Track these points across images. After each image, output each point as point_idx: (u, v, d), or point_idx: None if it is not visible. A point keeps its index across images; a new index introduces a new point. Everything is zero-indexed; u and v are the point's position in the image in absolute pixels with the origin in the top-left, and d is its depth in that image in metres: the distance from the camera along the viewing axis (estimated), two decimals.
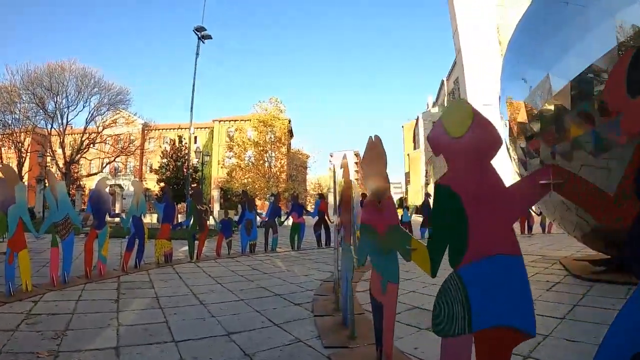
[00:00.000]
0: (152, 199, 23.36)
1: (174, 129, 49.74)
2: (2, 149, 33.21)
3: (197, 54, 18.48)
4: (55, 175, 9.78)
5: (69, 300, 3.99)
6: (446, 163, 1.77)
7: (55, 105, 32.11)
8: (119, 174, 48.10)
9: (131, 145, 39.10)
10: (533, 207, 13.72)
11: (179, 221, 11.28)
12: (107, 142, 36.83)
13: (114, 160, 38.30)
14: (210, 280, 5.43)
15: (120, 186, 36.52)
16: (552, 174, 1.52)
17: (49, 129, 32.91)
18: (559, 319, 3.30)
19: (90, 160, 36.76)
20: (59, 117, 32.29)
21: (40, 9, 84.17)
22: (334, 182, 4.28)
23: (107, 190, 6.43)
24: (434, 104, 62.72)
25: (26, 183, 25.52)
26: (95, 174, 35.92)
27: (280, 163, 41.20)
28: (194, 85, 18.86)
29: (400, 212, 17.72)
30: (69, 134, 34.92)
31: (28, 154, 33.72)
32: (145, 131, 45.47)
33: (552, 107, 5.03)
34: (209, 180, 45.03)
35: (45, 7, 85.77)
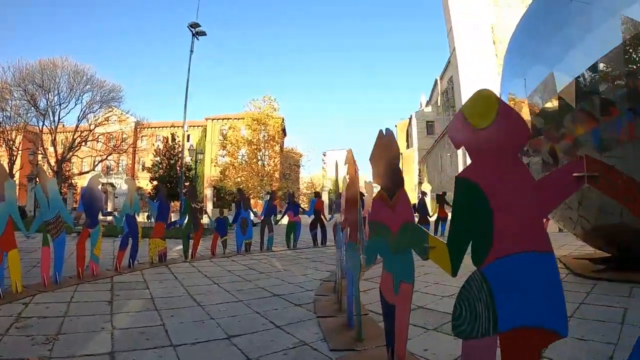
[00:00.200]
0: (144, 197, 23.05)
1: (166, 127, 49.31)
2: None
3: (192, 50, 18.28)
4: (47, 173, 9.58)
5: (61, 302, 3.83)
6: (469, 156, 1.67)
7: (47, 102, 31.65)
8: (111, 172, 47.56)
9: (123, 143, 38.66)
10: None
11: (172, 220, 11.11)
12: (99, 140, 36.38)
13: (106, 158, 37.83)
14: (207, 281, 5.29)
15: (112, 185, 36.01)
16: (586, 166, 1.42)
17: (40, 127, 32.40)
18: (567, 317, 3.22)
19: (82, 158, 36.32)
20: (50, 114, 31.82)
21: (33, 9, 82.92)
22: (337, 179, 4.16)
23: (99, 188, 6.26)
24: (427, 103, 62.88)
25: (17, 182, 25.14)
26: (87, 172, 35.48)
27: (274, 162, 41.04)
28: (188, 82, 18.63)
29: None
30: (60, 132, 34.42)
31: (19, 152, 33.20)
32: (138, 129, 45.01)
33: (555, 105, 4.97)
34: (202, 179, 44.70)
35: (39, 5, 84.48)
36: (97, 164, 37.37)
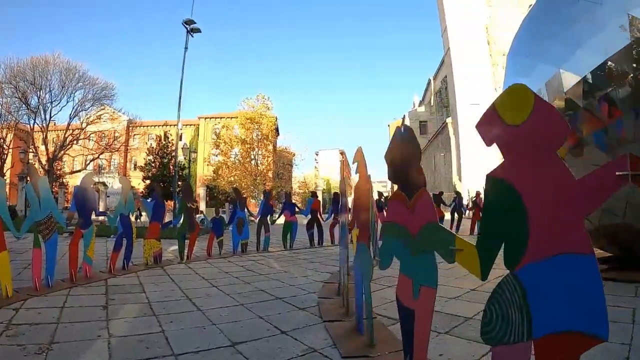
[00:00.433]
0: (137, 197, 22.73)
1: (159, 125, 48.86)
2: None
3: (186, 47, 17.98)
4: (38, 171, 9.29)
5: (54, 307, 3.64)
6: (502, 153, 1.56)
7: (39, 100, 31.18)
8: (102, 171, 46.96)
9: (116, 142, 38.21)
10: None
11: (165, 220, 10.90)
12: (91, 138, 35.90)
13: (98, 157, 37.36)
14: (205, 283, 5.13)
15: (104, 184, 35.60)
16: (630, 165, 1.32)
17: (31, 125, 31.89)
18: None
19: (74, 157, 35.86)
20: (42, 112, 31.37)
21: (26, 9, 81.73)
22: (343, 179, 4.04)
23: (92, 187, 6.07)
24: (420, 103, 63.08)
25: (8, 180, 24.69)
26: (79, 171, 35.02)
27: (267, 161, 40.79)
28: (182, 80, 18.35)
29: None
30: (52, 130, 33.90)
31: (10, 150, 32.63)
32: (130, 128, 44.53)
33: (561, 104, 4.89)
34: (195, 178, 44.34)
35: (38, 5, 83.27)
36: (88, 163, 36.91)
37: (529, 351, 1.47)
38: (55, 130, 35.02)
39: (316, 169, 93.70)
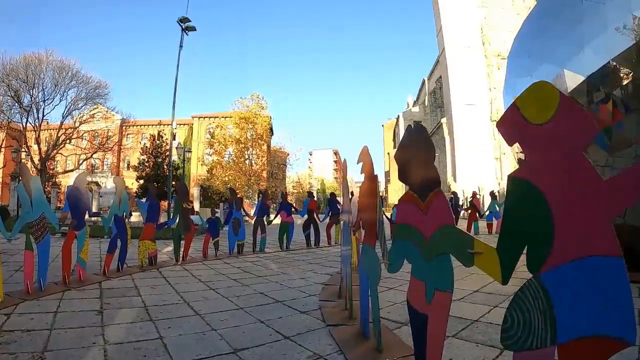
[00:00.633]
0: (131, 197, 22.47)
1: (153, 125, 48.39)
2: None
3: (181, 45, 17.73)
4: (30, 170, 9.09)
5: (47, 312, 3.52)
6: (524, 153, 1.48)
7: (31, 98, 30.60)
8: (96, 171, 46.43)
9: (109, 141, 37.78)
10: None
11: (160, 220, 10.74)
12: (84, 137, 35.46)
13: (91, 156, 36.89)
14: (202, 286, 5.02)
15: (97, 184, 35.21)
16: None
17: (24, 124, 31.41)
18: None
19: (67, 156, 35.39)
20: (34, 111, 30.81)
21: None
22: (345, 178, 3.96)
23: (85, 187, 5.93)
24: (415, 104, 63.16)
25: (0, 180, 24.32)
26: (72, 170, 34.56)
27: (262, 161, 40.55)
28: (176, 79, 18.10)
29: (389, 211, 17.57)
30: (44, 129, 33.38)
31: (2, 149, 32.14)
32: (124, 127, 44.05)
33: None
34: (189, 178, 43.98)
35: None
36: (81, 162, 36.40)
37: (552, 356, 1.43)
38: (48, 129, 34.52)
39: (310, 169, 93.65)
